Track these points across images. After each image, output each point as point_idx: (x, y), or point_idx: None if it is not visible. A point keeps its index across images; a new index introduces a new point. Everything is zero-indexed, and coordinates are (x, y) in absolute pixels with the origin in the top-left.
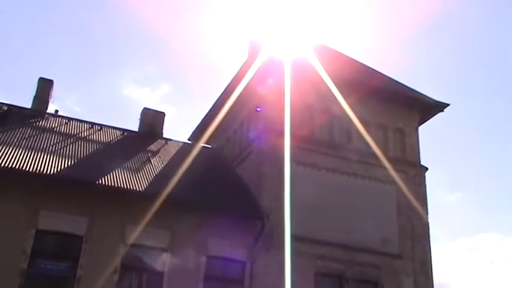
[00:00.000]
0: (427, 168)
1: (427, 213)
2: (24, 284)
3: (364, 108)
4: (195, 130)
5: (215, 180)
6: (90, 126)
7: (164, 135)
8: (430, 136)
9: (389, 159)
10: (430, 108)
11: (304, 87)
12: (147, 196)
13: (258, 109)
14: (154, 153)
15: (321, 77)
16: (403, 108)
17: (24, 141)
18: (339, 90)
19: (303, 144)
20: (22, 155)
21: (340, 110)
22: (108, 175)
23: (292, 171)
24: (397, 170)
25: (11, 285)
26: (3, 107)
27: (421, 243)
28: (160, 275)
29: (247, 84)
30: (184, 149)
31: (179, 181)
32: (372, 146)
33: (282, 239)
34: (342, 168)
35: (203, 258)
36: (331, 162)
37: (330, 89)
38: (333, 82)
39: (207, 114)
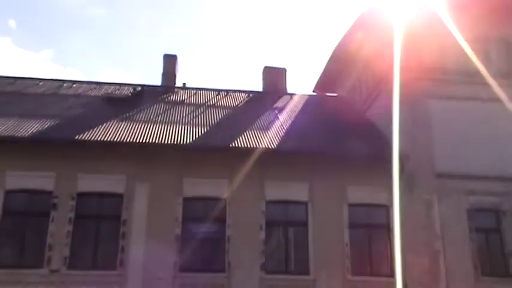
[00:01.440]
0: None
1: None
2: (181, 248)
3: (499, 25)
4: (318, 81)
5: (346, 127)
6: (216, 93)
7: (288, 91)
8: None
9: None
10: None
11: (426, 16)
12: (281, 152)
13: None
14: (281, 110)
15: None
16: None
17: (160, 116)
18: (467, 11)
19: (434, 76)
20: (161, 129)
21: (472, 31)
22: (241, 137)
23: (426, 106)
24: None
25: (170, 249)
26: (137, 87)
27: None
28: (305, 227)
29: (365, 27)
30: (310, 101)
31: (310, 133)
32: None
33: (425, 178)
34: (482, 95)
35: (345, 207)
36: (469, 90)
37: (456, 12)
38: (459, 4)
39: (328, 64)
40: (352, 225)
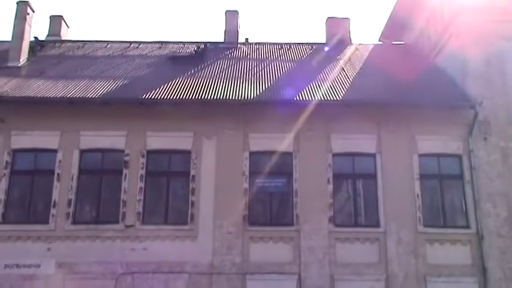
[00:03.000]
0: None
1: None
2: (250, 202)
3: None
4: (384, 29)
5: (414, 75)
6: (279, 47)
7: (352, 41)
8: None
9: None
10: None
11: None
12: (347, 104)
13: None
14: (346, 61)
15: None
16: None
17: (224, 72)
18: None
19: (508, 18)
20: (225, 85)
21: None
22: (305, 90)
23: (500, 49)
24: None
25: (239, 203)
26: (201, 45)
27: None
28: (373, 179)
29: None
30: (376, 51)
31: (377, 83)
32: None
33: (501, 125)
34: None
35: (415, 157)
36: None
37: None
38: None
39: (394, 10)
40: (423, 176)
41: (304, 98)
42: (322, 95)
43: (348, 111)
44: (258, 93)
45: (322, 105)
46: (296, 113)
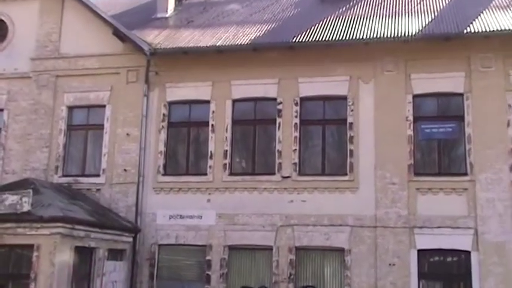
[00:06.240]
0: None
1: None
2: (415, 150)
3: None
4: None
5: None
6: None
7: None
8: None
9: None
10: None
11: None
12: None
13: None
14: None
15: None
16: None
17: (377, 8)
18: None
19: None
20: (380, 22)
21: None
22: (476, 20)
23: None
24: None
25: (403, 151)
26: None
27: None
28: None
29: None
30: None
31: None
32: None
33: None
34: None
35: None
36: None
37: None
38: None
39: None
40: None
41: (475, 30)
42: (498, 24)
43: None
44: (419, 29)
45: (499, 36)
46: (467, 47)
